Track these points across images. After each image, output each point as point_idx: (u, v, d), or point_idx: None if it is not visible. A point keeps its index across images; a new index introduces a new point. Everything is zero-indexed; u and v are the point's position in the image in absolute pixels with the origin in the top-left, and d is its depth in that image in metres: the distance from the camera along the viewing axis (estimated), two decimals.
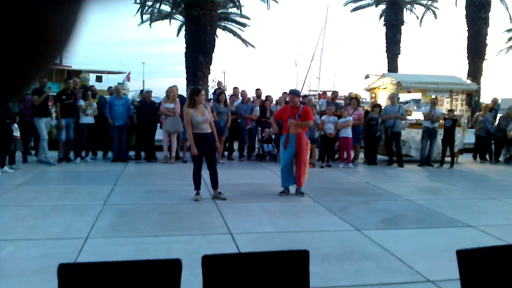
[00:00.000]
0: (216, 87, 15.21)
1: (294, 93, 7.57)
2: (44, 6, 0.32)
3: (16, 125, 8.81)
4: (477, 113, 12.83)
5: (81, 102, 10.09)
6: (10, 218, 5.60)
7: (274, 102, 12.34)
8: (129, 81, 35.26)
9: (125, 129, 10.53)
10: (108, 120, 10.37)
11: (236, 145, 11.89)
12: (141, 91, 12.79)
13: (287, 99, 12.29)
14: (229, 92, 14.39)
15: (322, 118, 10.84)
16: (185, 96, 11.23)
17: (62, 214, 5.84)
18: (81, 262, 2.25)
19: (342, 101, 13.83)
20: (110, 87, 12.76)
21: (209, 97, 14.99)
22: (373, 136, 11.11)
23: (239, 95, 12.00)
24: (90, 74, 33.05)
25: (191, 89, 7.23)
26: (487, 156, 12.64)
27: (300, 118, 7.15)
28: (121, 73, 36.53)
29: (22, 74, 0.34)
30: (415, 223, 6.03)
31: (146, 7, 19.42)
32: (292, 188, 7.41)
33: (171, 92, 10.49)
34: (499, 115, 13.57)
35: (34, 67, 0.35)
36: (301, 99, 8.18)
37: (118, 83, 24.66)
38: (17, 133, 8.81)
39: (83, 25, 0.34)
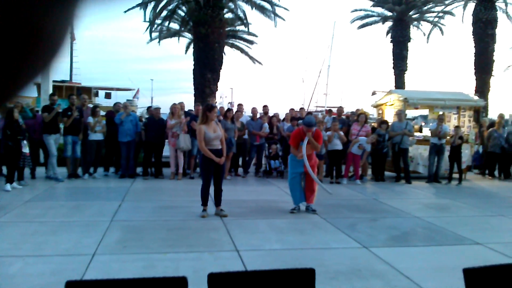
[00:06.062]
0: (221, 102, 15.31)
1: (310, 124, 7.23)
2: (37, 8, 0.33)
3: (25, 142, 8.90)
4: (490, 129, 12.52)
5: (90, 119, 10.18)
6: (19, 234, 5.63)
7: (281, 118, 12.40)
8: (134, 98, 35.54)
9: (133, 145, 10.61)
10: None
11: (241, 161, 11.89)
12: (149, 107, 12.90)
13: (296, 123, 12.40)
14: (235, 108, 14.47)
15: (328, 133, 10.81)
16: (191, 111, 11.34)
17: (70, 230, 5.87)
18: (87, 280, 2.27)
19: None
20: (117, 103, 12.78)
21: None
22: (380, 152, 11.09)
23: (244, 111, 12.08)
24: (99, 91, 33.48)
25: (204, 105, 7.21)
26: (496, 173, 12.52)
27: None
28: (130, 90, 36.89)
29: (14, 77, 0.35)
30: (424, 240, 5.99)
31: (155, 25, 19.65)
32: (302, 206, 7.39)
33: (175, 109, 10.57)
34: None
35: (27, 69, 0.35)
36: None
37: (127, 100, 24.79)
38: (26, 150, 8.89)
39: (78, 29, 0.36)
